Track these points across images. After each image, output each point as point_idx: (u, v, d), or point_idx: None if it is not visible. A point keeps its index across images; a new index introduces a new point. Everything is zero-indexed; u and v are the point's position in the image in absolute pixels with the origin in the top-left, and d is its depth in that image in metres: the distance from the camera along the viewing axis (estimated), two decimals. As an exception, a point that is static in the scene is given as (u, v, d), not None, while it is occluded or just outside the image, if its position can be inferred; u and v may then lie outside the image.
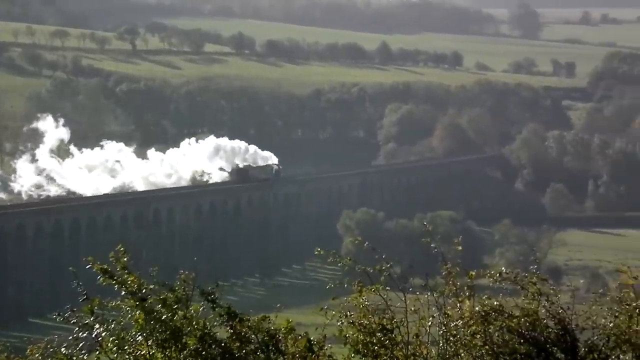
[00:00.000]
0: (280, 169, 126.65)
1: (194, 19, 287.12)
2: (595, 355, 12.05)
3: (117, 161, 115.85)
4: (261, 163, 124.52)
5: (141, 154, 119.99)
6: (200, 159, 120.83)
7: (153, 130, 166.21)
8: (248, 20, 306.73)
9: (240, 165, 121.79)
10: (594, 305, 12.40)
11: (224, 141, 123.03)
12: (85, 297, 12.39)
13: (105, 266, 12.35)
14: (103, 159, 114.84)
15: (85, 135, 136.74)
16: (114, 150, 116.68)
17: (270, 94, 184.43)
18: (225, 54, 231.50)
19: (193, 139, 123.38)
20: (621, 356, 12.04)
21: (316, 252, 13.96)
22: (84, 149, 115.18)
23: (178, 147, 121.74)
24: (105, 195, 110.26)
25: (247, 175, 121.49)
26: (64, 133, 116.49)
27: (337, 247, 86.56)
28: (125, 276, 12.31)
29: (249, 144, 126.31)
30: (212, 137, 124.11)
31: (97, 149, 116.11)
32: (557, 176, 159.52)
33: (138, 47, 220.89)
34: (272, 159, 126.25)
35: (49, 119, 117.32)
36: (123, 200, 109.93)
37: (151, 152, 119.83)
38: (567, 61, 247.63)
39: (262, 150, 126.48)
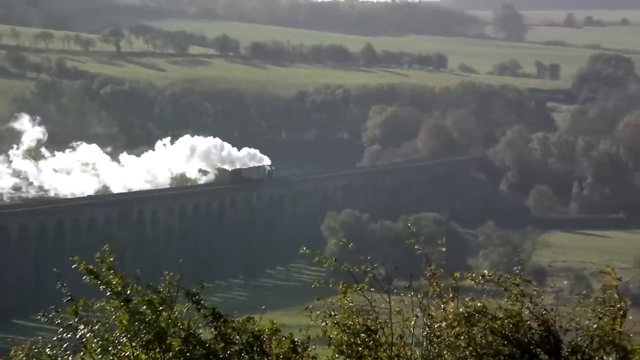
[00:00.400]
0: (273, 170, 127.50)
1: (178, 21, 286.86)
2: (579, 357, 12.05)
3: (87, 164, 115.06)
4: (238, 163, 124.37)
5: (121, 155, 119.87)
6: (178, 161, 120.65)
7: (137, 133, 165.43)
8: (232, 22, 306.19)
9: (226, 167, 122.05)
10: (578, 307, 12.38)
11: (199, 140, 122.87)
12: (69, 298, 12.38)
13: (91, 266, 12.36)
14: (78, 161, 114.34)
15: (69, 137, 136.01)
16: (90, 153, 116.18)
17: (255, 96, 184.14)
18: (209, 56, 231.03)
19: (168, 139, 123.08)
20: (605, 357, 12.04)
21: (301, 252, 14.00)
22: (56, 152, 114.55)
23: (154, 149, 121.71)
24: (89, 196, 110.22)
25: (240, 176, 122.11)
26: (40, 134, 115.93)
27: (321, 248, 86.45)
28: (111, 277, 12.33)
29: (235, 146, 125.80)
30: (187, 137, 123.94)
31: (67, 150, 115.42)
32: (542, 178, 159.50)
33: (122, 49, 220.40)
34: (256, 157, 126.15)
35: (25, 119, 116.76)
36: (107, 202, 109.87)
37: (124, 156, 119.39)
38: (552, 63, 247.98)
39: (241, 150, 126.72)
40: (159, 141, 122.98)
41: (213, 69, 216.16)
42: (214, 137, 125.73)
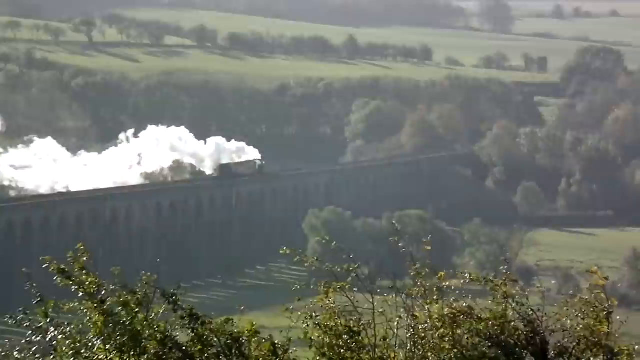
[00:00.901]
0: (264, 164, 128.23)
1: (153, 10, 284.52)
2: (566, 358, 12.01)
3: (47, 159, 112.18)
4: (208, 153, 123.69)
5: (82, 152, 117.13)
6: (146, 155, 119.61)
7: (110, 126, 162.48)
8: (209, 12, 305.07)
9: (223, 162, 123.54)
10: (565, 308, 12.27)
11: (162, 131, 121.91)
12: (39, 299, 12.18)
13: (63, 266, 12.10)
14: (35, 156, 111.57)
15: (38, 131, 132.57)
16: (49, 148, 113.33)
17: (234, 88, 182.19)
18: (186, 46, 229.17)
19: (131, 131, 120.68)
20: (592, 359, 11.97)
21: (281, 252, 13.72)
22: (9, 147, 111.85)
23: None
24: (60, 193, 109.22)
25: (230, 171, 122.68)
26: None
27: (302, 247, 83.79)
28: (84, 277, 12.12)
29: (211, 138, 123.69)
30: (152, 128, 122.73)
31: (20, 146, 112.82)
32: (529, 174, 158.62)
33: (95, 39, 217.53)
34: (244, 150, 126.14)
35: None
36: (78, 199, 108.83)
37: (85, 154, 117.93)
38: (539, 56, 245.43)
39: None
40: (121, 134, 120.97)
41: (190, 60, 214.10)
42: (193, 133, 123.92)
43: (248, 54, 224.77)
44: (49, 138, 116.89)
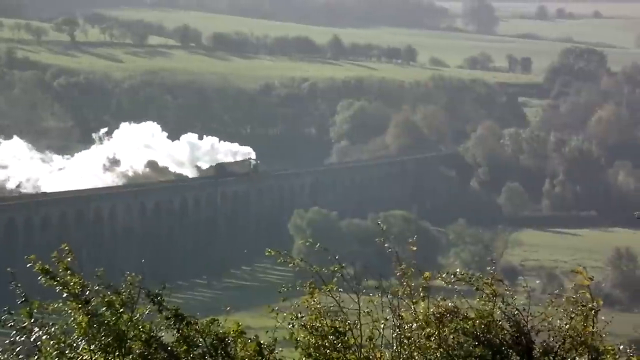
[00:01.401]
0: (259, 164, 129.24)
1: (136, 10, 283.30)
2: (551, 358, 12.01)
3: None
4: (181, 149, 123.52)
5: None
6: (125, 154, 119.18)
7: (93, 127, 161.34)
8: (193, 11, 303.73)
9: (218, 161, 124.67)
10: (550, 307, 12.30)
11: (131, 128, 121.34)
12: (23, 299, 12.13)
13: (47, 266, 12.06)
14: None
15: (20, 131, 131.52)
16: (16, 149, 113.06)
17: (218, 88, 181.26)
18: (169, 46, 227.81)
19: (103, 130, 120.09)
20: (577, 358, 12.00)
21: (267, 253, 13.59)
22: None
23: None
24: (44, 194, 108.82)
25: (225, 170, 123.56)
26: None
27: (288, 247, 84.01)
28: (68, 277, 12.10)
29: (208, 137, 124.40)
30: (125, 125, 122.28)
31: None
32: (513, 175, 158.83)
33: (77, 39, 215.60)
34: (239, 152, 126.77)
35: None
36: (62, 199, 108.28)
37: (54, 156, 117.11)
38: (523, 57, 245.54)
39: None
40: (94, 134, 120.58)
41: (173, 60, 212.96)
42: (177, 134, 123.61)
43: (232, 54, 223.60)
44: (15, 137, 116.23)
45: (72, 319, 11.98)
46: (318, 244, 14.23)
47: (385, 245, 13.57)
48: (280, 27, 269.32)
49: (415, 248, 14.23)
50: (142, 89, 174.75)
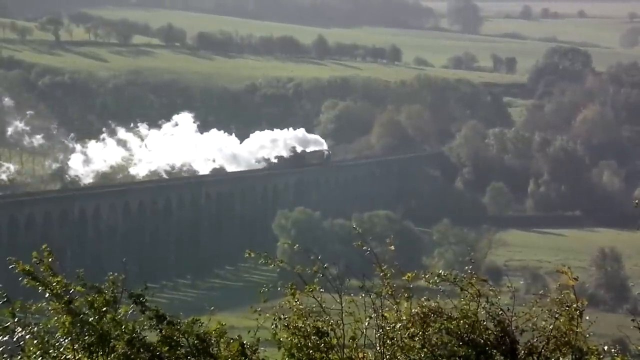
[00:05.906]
0: (330, 154, 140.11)
1: (120, 9, 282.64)
2: (535, 358, 12.02)
3: None
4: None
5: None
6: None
7: (78, 126, 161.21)
8: (177, 11, 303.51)
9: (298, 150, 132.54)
10: (534, 307, 12.24)
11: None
12: (5, 299, 12.01)
13: (29, 267, 11.91)
14: None
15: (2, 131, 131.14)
16: None
17: (202, 88, 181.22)
18: (154, 46, 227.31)
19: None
20: (561, 358, 12.01)
21: (246, 255, 13.50)
22: None
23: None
24: (27, 193, 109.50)
25: (302, 159, 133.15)
26: None
27: (272, 247, 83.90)
28: (50, 278, 11.99)
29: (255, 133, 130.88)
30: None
31: None
32: (498, 175, 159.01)
33: (62, 38, 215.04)
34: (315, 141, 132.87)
35: None
36: (46, 199, 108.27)
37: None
38: (508, 56, 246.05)
39: None
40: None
41: (158, 59, 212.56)
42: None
43: (217, 54, 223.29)
44: None
45: (55, 318, 11.91)
46: (297, 245, 14.13)
47: (364, 247, 13.31)
48: (265, 27, 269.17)
49: (393, 247, 14.07)
50: (127, 88, 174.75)
